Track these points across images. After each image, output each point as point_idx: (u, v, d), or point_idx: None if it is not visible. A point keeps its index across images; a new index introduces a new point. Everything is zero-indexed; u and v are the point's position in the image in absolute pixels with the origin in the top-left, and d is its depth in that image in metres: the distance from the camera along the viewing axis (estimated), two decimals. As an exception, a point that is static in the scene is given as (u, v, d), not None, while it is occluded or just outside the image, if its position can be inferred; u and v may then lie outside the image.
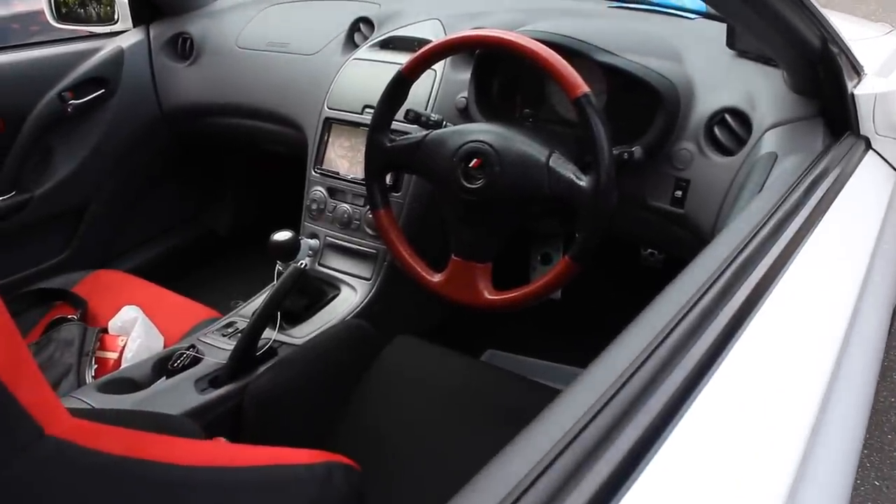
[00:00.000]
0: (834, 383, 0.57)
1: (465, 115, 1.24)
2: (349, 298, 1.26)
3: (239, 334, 1.06)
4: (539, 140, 0.99)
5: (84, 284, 1.26)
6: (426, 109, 1.23)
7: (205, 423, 0.91)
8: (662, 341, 0.48)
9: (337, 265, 1.32)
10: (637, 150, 1.02)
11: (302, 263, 1.02)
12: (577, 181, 0.94)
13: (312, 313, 1.21)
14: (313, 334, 1.13)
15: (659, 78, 1.07)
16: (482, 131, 1.01)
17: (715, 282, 0.56)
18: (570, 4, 1.35)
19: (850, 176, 0.90)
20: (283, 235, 1.10)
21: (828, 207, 0.79)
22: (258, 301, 1.20)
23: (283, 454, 0.62)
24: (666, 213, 1.11)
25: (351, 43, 1.46)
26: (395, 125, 1.12)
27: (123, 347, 1.08)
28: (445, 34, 1.30)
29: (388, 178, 1.21)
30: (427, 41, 1.20)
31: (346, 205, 1.32)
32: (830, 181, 0.83)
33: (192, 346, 1.04)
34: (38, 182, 1.52)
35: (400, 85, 1.06)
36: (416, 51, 1.05)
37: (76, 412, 0.47)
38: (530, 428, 0.40)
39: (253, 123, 1.59)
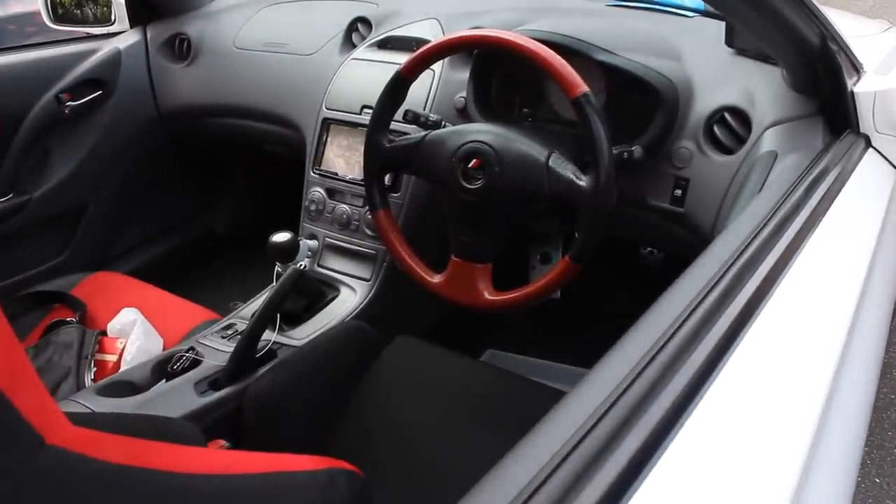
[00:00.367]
0: (837, 383, 0.57)
1: (463, 115, 1.23)
2: (349, 299, 1.26)
3: (238, 336, 1.06)
4: (538, 140, 0.99)
5: (83, 287, 1.26)
6: (425, 109, 1.23)
7: (205, 425, 0.91)
8: (665, 345, 0.47)
9: (336, 266, 1.32)
10: (637, 150, 1.01)
11: (301, 264, 1.02)
12: (577, 181, 0.93)
13: (312, 314, 1.20)
14: (313, 336, 1.12)
15: (658, 77, 1.07)
16: (481, 131, 1.01)
17: (717, 283, 0.55)
18: (568, 3, 1.35)
19: (851, 174, 0.90)
20: (282, 237, 1.09)
21: (829, 206, 0.78)
22: (257, 302, 1.20)
23: (285, 460, 0.61)
24: (666, 212, 1.10)
25: (349, 43, 1.46)
26: (393, 125, 1.12)
27: (122, 350, 1.08)
28: (444, 34, 1.30)
29: (387, 179, 1.20)
30: (425, 41, 1.20)
31: (345, 205, 1.31)
32: (831, 180, 0.83)
33: (192, 349, 1.04)
34: (35, 184, 1.51)
35: (398, 85, 1.06)
36: (414, 51, 1.05)
37: (76, 417, 0.46)
38: (531, 435, 0.40)
39: (251, 124, 1.58)
